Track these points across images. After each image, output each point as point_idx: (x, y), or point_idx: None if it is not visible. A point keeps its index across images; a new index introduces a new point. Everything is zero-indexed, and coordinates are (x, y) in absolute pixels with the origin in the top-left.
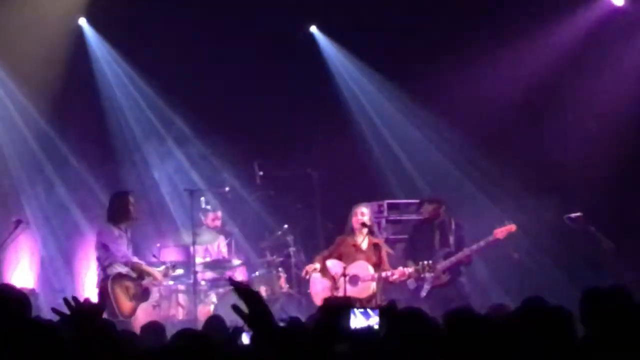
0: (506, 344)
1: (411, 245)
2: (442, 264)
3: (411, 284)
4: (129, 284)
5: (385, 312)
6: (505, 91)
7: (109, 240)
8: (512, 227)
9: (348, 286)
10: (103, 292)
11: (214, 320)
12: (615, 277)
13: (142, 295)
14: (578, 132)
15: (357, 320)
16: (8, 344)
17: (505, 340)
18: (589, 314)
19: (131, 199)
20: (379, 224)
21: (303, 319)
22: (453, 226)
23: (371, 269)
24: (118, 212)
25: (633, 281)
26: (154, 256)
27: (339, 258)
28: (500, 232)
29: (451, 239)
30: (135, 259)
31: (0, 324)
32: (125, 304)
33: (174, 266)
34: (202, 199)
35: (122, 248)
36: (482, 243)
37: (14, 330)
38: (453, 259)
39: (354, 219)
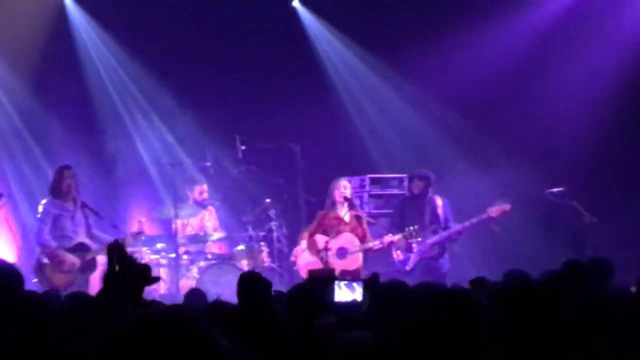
0: (487, 319)
1: (400, 219)
2: (432, 239)
3: (398, 256)
4: (62, 257)
5: (368, 285)
6: (491, 64)
7: (42, 214)
8: (507, 207)
9: (336, 259)
10: (35, 266)
11: (195, 293)
12: (596, 251)
13: (85, 267)
14: (563, 106)
15: (342, 293)
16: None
17: (486, 315)
18: (568, 286)
19: (66, 174)
20: (361, 198)
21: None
22: (441, 203)
23: (357, 241)
24: (55, 187)
25: (613, 255)
26: (114, 226)
27: (324, 232)
28: (495, 211)
29: (440, 216)
30: (49, 241)
31: None
32: (58, 276)
33: (137, 234)
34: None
35: (45, 228)
36: (474, 220)
37: (5, 303)
38: (445, 233)
39: (336, 192)
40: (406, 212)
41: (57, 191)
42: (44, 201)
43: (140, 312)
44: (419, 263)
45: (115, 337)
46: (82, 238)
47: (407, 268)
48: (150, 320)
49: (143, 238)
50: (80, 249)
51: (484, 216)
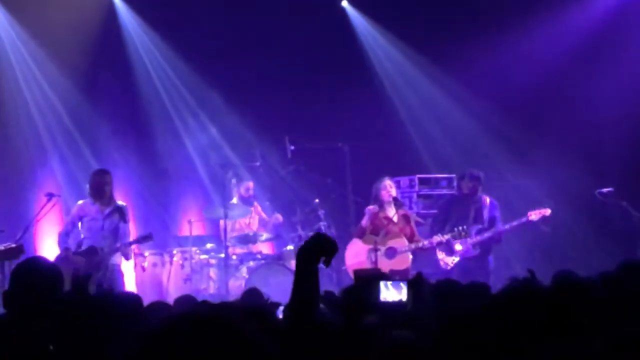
0: (537, 319)
1: (444, 217)
2: (474, 239)
3: (441, 253)
4: (78, 259)
5: (413, 284)
6: (538, 63)
7: (71, 215)
8: (547, 211)
9: (385, 259)
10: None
11: (252, 292)
12: None
13: (88, 269)
14: (612, 105)
15: (388, 293)
16: (39, 316)
17: (536, 316)
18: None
19: (105, 179)
20: (410, 198)
21: (335, 292)
22: (488, 203)
23: (406, 241)
24: (93, 189)
25: None
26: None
27: (373, 232)
28: (535, 215)
29: (485, 217)
30: (65, 243)
31: (31, 296)
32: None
33: (142, 239)
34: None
35: (69, 229)
36: (515, 223)
37: (45, 303)
38: (486, 234)
39: (383, 192)
40: (452, 211)
41: (93, 194)
42: (79, 202)
43: (182, 312)
44: (459, 263)
45: (156, 336)
46: (106, 241)
47: (448, 267)
48: (190, 320)
49: (150, 241)
50: (88, 252)
51: (524, 219)
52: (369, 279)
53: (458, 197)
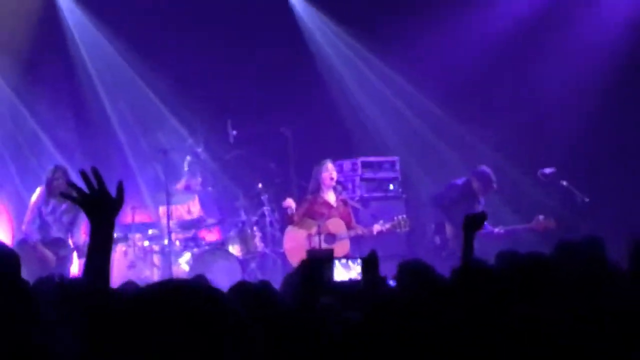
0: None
1: (449, 202)
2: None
3: (438, 240)
4: (39, 252)
5: (367, 263)
6: (479, 47)
7: (31, 204)
8: (553, 224)
9: (324, 244)
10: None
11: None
12: (590, 230)
13: (60, 263)
14: (553, 86)
15: (340, 272)
16: None
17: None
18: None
19: (56, 175)
20: (353, 182)
21: (280, 277)
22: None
23: (345, 227)
24: (47, 184)
25: (608, 233)
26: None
27: (312, 217)
28: (540, 224)
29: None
30: (31, 233)
31: None
32: (30, 267)
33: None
34: (186, 162)
35: (30, 217)
36: (519, 227)
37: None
38: (490, 231)
39: (324, 175)
40: (461, 202)
41: (49, 188)
42: (38, 189)
43: (167, 282)
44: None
45: (143, 301)
46: (62, 234)
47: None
48: (176, 289)
49: (125, 242)
50: (56, 243)
51: (527, 226)
52: (323, 260)
53: (468, 191)
